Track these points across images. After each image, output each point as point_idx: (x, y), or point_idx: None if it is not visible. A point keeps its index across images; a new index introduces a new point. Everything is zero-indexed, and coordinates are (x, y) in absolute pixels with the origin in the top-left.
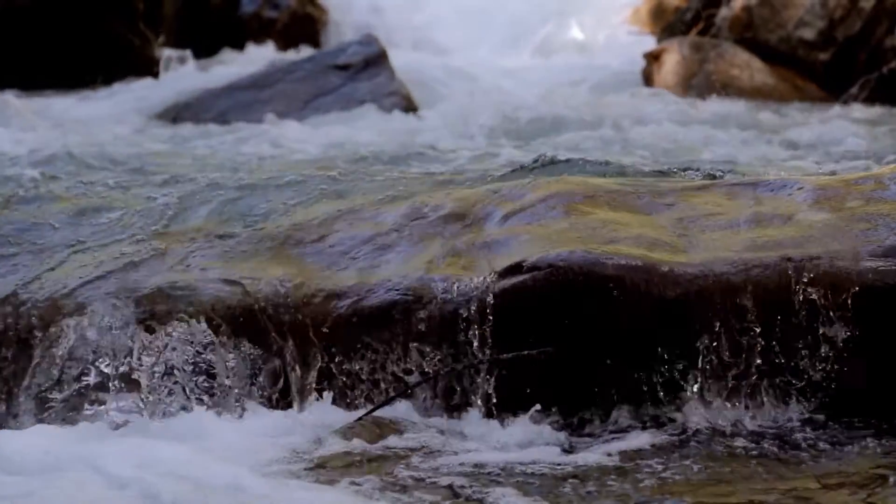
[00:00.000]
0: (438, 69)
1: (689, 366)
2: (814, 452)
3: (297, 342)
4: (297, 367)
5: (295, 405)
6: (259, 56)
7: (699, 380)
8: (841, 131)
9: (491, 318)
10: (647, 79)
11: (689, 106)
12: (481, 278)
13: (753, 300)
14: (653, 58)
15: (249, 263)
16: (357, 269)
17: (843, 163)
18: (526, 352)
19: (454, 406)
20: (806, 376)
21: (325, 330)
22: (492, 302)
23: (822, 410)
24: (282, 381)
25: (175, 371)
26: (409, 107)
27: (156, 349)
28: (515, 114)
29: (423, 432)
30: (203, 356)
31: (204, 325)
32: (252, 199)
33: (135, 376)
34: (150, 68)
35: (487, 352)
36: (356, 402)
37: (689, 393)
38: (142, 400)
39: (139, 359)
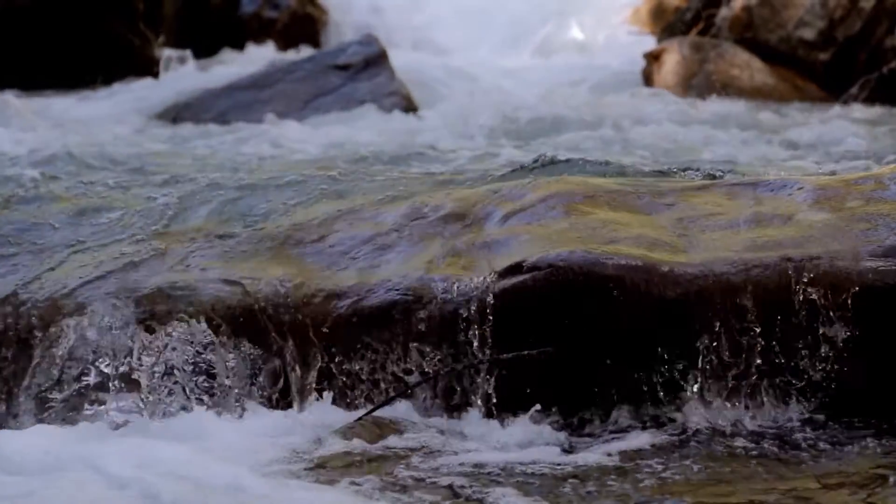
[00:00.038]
0: (438, 69)
1: (689, 366)
2: (814, 452)
3: (297, 342)
4: (297, 367)
5: (295, 405)
6: (259, 56)
7: (699, 380)
8: (841, 131)
9: (491, 318)
10: (647, 79)
11: (689, 106)
12: (481, 278)
13: (753, 300)
14: (653, 58)
15: (249, 263)
16: (357, 269)
17: (843, 163)
18: (526, 352)
19: (454, 406)
20: (806, 376)
21: (325, 330)
22: (492, 302)
23: (822, 410)
24: (282, 381)
25: (175, 371)
26: (409, 107)
27: (156, 349)
28: (515, 114)
29: (424, 432)
30: (203, 356)
31: (204, 326)
32: (252, 199)
33: (135, 376)
34: (149, 68)
35: (487, 352)
36: (356, 402)
37: (689, 393)
38: (142, 400)
39: (139, 359)
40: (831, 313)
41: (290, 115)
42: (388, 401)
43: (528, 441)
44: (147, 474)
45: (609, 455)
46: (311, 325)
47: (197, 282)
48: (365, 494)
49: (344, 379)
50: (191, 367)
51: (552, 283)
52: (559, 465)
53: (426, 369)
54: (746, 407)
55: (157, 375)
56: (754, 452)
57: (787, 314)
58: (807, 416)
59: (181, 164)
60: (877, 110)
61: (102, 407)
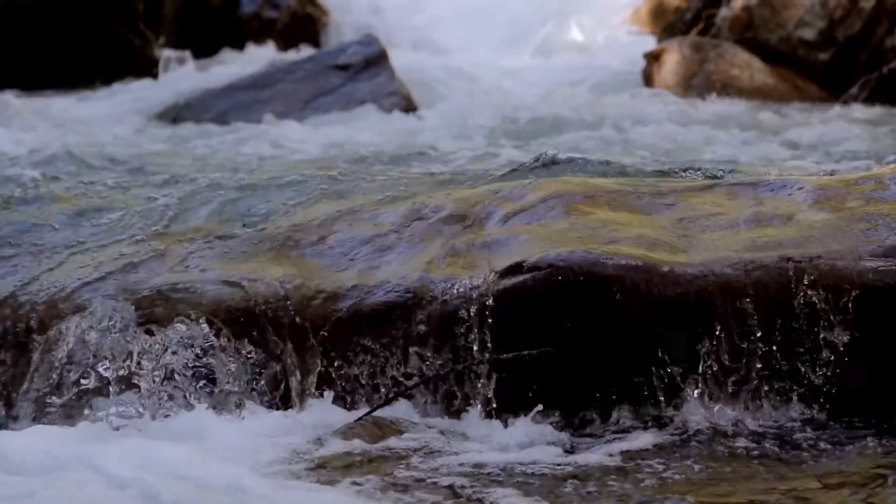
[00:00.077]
0: (438, 69)
1: (689, 366)
2: (814, 452)
3: (296, 343)
4: (297, 368)
5: (295, 405)
6: (259, 56)
7: (700, 379)
8: (841, 131)
9: (491, 318)
10: (648, 79)
11: (690, 106)
12: (481, 278)
13: (754, 301)
14: (653, 58)
15: (249, 264)
16: (357, 269)
17: (843, 163)
18: (526, 352)
19: (454, 406)
20: (806, 377)
21: (325, 331)
22: (492, 302)
23: (823, 410)
24: (282, 381)
25: (175, 372)
26: (409, 107)
27: (156, 349)
28: (515, 114)
29: (424, 432)
30: (203, 357)
31: (204, 327)
32: (252, 200)
33: (135, 377)
34: (149, 69)
35: (487, 352)
36: (356, 402)
37: (689, 393)
38: (142, 400)
39: (139, 359)
40: (831, 314)
41: (290, 115)
42: (389, 401)
43: (529, 441)
44: (147, 474)
45: (610, 455)
46: (311, 326)
47: (197, 283)
48: (365, 495)
49: (344, 379)
50: (191, 368)
51: (552, 283)
52: (560, 465)
53: (426, 369)
54: (747, 407)
55: (157, 376)
56: (755, 452)
57: (787, 315)
58: (807, 415)
59: (181, 165)
60: (877, 110)
61: (102, 407)
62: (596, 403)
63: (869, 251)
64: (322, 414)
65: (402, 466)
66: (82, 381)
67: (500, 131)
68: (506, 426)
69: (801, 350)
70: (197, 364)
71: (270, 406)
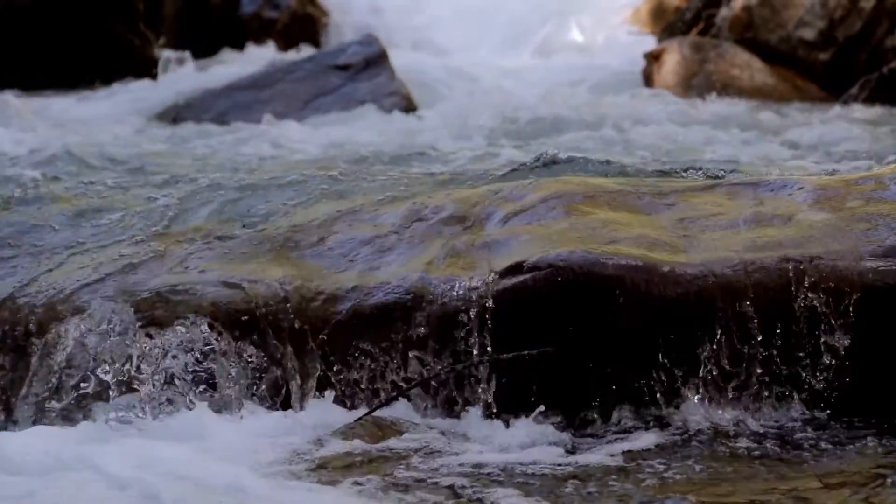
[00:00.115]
0: (438, 69)
1: (690, 365)
2: (815, 452)
3: (296, 344)
4: (297, 369)
5: (295, 405)
6: (259, 56)
7: (700, 379)
8: (841, 131)
9: (491, 318)
10: (648, 79)
11: (690, 106)
12: (481, 278)
13: (754, 300)
14: (653, 58)
15: (249, 265)
16: (357, 270)
17: (843, 163)
18: (526, 352)
19: (455, 406)
20: (806, 377)
21: (325, 332)
22: (492, 302)
23: (823, 410)
24: (282, 381)
25: (175, 372)
26: (409, 107)
27: (156, 349)
28: (515, 114)
29: (424, 433)
30: (203, 358)
31: (204, 328)
32: (252, 200)
33: (135, 377)
34: (149, 69)
35: (488, 352)
36: (356, 402)
37: (690, 392)
38: (142, 400)
39: (139, 359)
40: (831, 314)
41: (290, 115)
42: (389, 401)
43: (530, 441)
44: (147, 474)
45: (611, 455)
46: (311, 327)
47: (196, 284)
48: (366, 495)
49: (344, 379)
50: (191, 369)
51: (552, 283)
52: (561, 465)
53: (426, 369)
54: (747, 406)
55: (157, 375)
56: (756, 452)
57: (787, 315)
58: (808, 415)
59: (181, 165)
60: (877, 110)
61: (102, 407)
62: (597, 404)
63: (869, 251)
64: (322, 414)
65: (402, 467)
66: (82, 384)
67: (500, 131)
68: (507, 426)
69: (801, 351)
70: (197, 368)
71: (271, 405)
